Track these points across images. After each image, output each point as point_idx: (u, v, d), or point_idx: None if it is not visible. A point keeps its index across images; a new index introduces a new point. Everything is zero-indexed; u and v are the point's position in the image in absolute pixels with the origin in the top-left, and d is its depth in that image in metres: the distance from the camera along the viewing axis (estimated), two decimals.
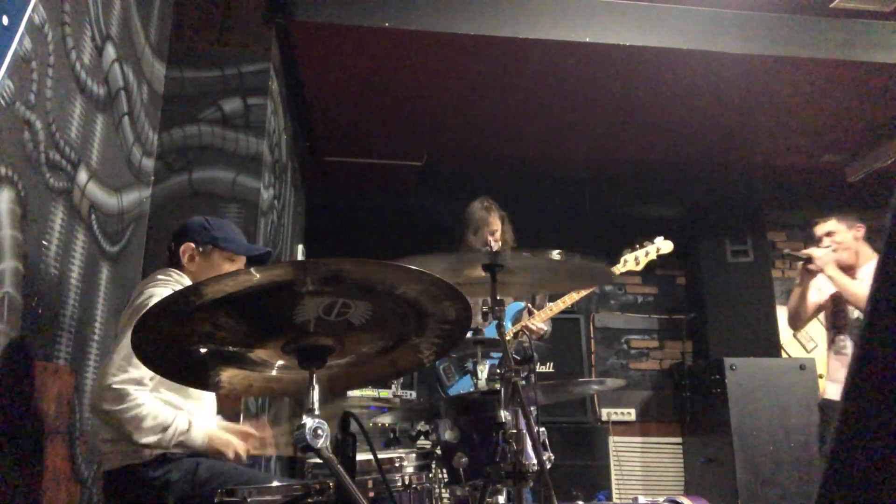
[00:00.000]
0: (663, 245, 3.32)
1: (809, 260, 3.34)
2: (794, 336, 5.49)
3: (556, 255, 1.74)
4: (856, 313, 3.35)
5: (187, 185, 3.09)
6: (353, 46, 3.76)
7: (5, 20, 1.68)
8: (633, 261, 3.29)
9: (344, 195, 5.72)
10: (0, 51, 1.67)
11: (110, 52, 2.46)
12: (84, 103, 2.23)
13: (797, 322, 3.52)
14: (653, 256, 3.31)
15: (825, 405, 3.47)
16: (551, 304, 3.35)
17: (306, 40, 3.70)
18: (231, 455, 2.00)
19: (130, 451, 1.92)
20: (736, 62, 3.87)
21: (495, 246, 3.33)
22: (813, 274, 3.36)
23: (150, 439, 1.86)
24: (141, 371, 1.84)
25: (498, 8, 3.63)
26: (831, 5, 3.74)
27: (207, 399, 2.17)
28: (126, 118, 2.67)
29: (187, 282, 2.07)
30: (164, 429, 1.87)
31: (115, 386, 1.83)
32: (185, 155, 3.12)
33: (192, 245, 2.12)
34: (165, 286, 2.02)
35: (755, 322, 5.19)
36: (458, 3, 3.61)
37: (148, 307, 1.89)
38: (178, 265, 2.13)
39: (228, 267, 2.15)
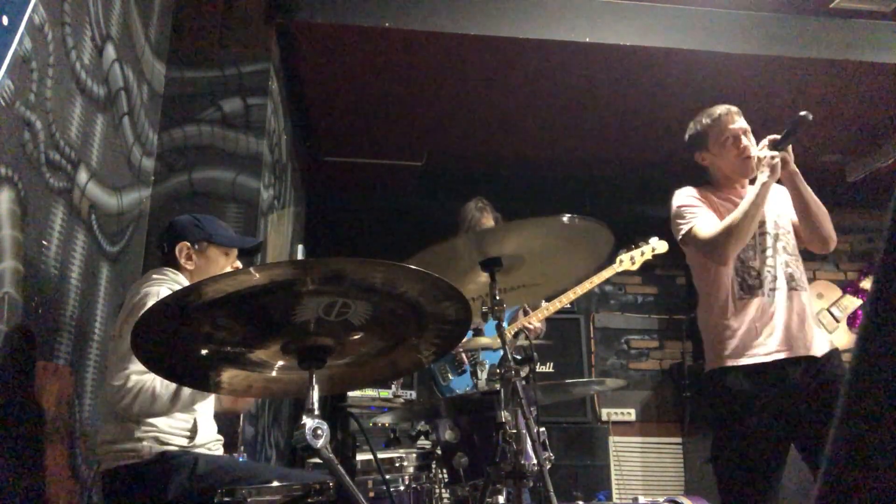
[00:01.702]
0: (658, 245, 3.36)
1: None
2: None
3: (565, 218, 1.59)
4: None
5: (187, 185, 3.09)
6: (353, 46, 3.76)
7: (5, 20, 1.68)
8: (628, 260, 3.32)
9: (344, 195, 5.72)
10: (0, 51, 1.67)
11: (110, 52, 2.46)
12: (84, 103, 2.23)
13: (735, 247, 2.24)
14: (648, 256, 3.34)
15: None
16: (547, 303, 3.36)
17: (306, 40, 3.70)
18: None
19: (129, 451, 1.92)
20: (736, 62, 3.87)
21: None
22: (776, 174, 2.24)
23: (177, 405, 1.88)
24: (137, 365, 1.85)
25: (498, 8, 3.63)
26: (831, 5, 3.74)
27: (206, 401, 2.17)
28: (126, 118, 2.67)
29: (183, 280, 2.08)
30: (178, 388, 1.88)
31: (116, 384, 1.84)
32: (185, 155, 3.12)
33: (188, 244, 2.13)
34: (161, 285, 2.02)
35: None
36: (458, 3, 3.61)
37: (147, 306, 1.91)
38: (174, 265, 2.13)
39: (224, 261, 2.16)
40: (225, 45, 3.29)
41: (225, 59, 3.27)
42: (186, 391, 1.89)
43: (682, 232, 2.38)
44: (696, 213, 2.38)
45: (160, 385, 1.86)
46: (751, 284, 2.32)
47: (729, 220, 2.25)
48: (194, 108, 3.18)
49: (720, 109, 2.51)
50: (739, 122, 2.44)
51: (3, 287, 1.73)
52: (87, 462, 2.32)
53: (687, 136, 2.60)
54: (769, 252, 2.34)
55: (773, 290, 2.30)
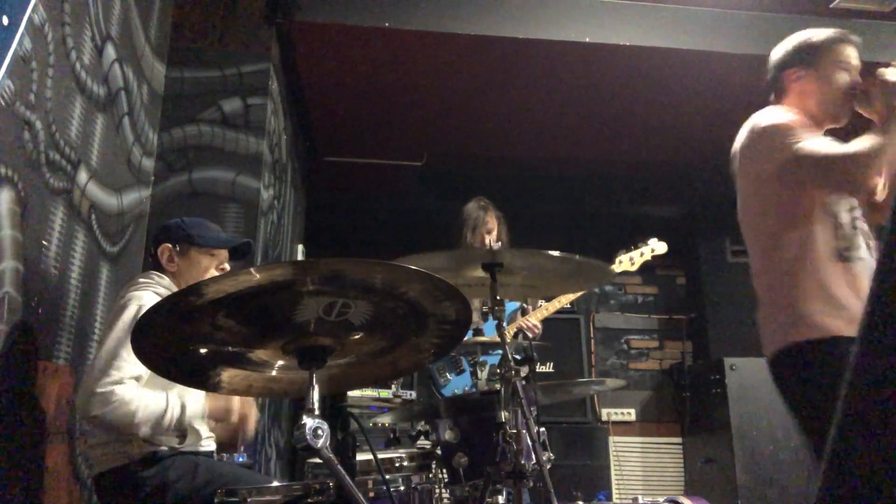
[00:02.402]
0: (657, 246, 3.38)
1: None
2: None
3: (555, 253, 1.74)
4: None
5: (187, 185, 3.09)
6: (353, 46, 3.76)
7: (5, 20, 1.68)
8: (627, 261, 3.34)
9: (344, 195, 5.72)
10: (0, 51, 1.67)
11: (110, 52, 2.46)
12: (84, 103, 2.23)
13: (872, 175, 1.83)
14: (647, 257, 3.37)
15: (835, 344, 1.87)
16: (546, 303, 3.36)
17: (306, 40, 3.70)
18: (234, 419, 2.07)
19: (119, 452, 1.92)
20: (736, 62, 3.86)
21: (496, 245, 3.34)
22: None
23: (146, 431, 1.87)
24: (122, 372, 1.85)
25: (498, 8, 3.63)
26: (831, 5, 3.74)
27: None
28: (126, 118, 2.67)
29: (167, 282, 2.09)
30: (161, 417, 1.88)
31: (98, 390, 1.82)
32: (185, 155, 3.12)
33: (169, 245, 2.13)
34: (146, 288, 2.02)
35: (755, 322, 5.18)
36: (458, 3, 3.61)
37: (128, 310, 1.92)
38: (160, 267, 2.14)
39: (208, 262, 2.15)
40: (225, 45, 3.29)
41: (225, 59, 3.27)
42: (166, 420, 1.89)
43: (792, 148, 1.90)
44: (804, 134, 1.94)
45: (142, 412, 1.85)
46: (845, 247, 1.94)
47: (872, 139, 1.82)
48: (194, 108, 3.18)
49: (840, 33, 2.11)
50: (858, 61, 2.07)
51: (3, 287, 1.73)
52: (86, 462, 2.32)
53: (792, 46, 2.13)
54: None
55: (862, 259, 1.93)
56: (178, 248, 2.13)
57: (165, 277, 2.10)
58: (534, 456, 1.67)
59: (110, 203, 2.52)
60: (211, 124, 3.18)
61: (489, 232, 3.38)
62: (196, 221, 2.21)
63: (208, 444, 2.14)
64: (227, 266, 2.19)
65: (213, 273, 2.12)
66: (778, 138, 1.95)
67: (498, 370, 1.73)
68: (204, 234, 2.17)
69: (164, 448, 1.96)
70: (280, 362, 1.36)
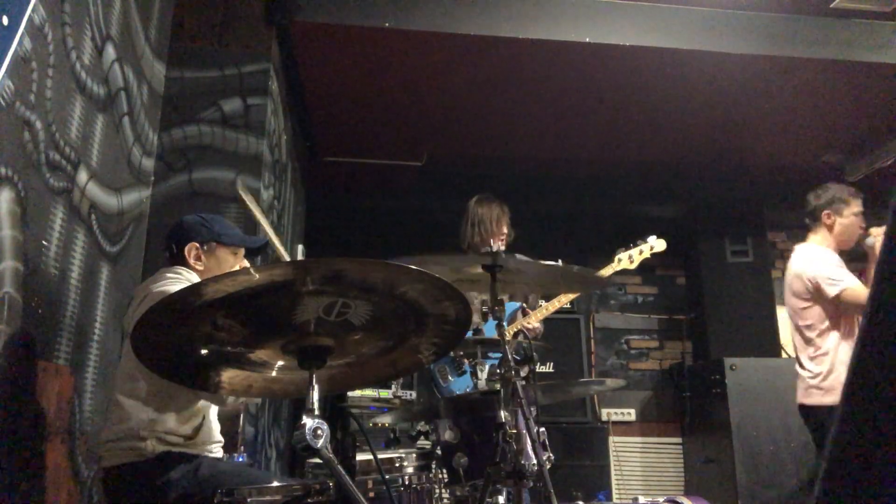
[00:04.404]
0: (656, 244, 3.38)
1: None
2: None
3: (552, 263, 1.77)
4: None
5: (187, 185, 3.09)
6: (353, 46, 3.76)
7: (5, 20, 1.68)
8: (627, 259, 3.34)
9: (344, 195, 5.72)
10: (0, 51, 1.67)
11: (110, 52, 2.46)
12: (84, 103, 2.23)
13: None
14: (646, 255, 3.36)
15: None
16: (546, 303, 3.36)
17: (306, 40, 3.70)
18: None
19: (133, 449, 1.92)
20: (736, 62, 3.87)
21: (502, 246, 3.35)
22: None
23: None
24: None
25: (498, 8, 3.63)
26: (831, 5, 3.74)
27: None
28: (126, 118, 2.67)
29: (196, 278, 2.06)
30: None
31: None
32: (185, 155, 3.12)
33: (196, 244, 2.12)
34: (176, 284, 2.01)
35: (755, 322, 5.19)
36: (458, 3, 3.61)
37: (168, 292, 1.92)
38: (183, 265, 2.13)
39: (233, 260, 2.16)
40: (225, 45, 3.29)
41: (225, 59, 3.27)
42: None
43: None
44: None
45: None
46: None
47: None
48: (194, 108, 3.18)
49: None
50: None
51: (3, 287, 1.73)
52: (87, 462, 2.32)
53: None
54: None
55: None
56: (205, 248, 2.13)
57: (193, 273, 2.09)
58: (534, 456, 1.67)
59: (110, 203, 2.52)
60: (211, 124, 3.18)
61: (501, 239, 3.38)
62: (216, 218, 2.21)
63: (217, 451, 2.14)
64: (245, 263, 2.20)
65: None
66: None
67: (498, 370, 1.73)
68: (230, 232, 2.18)
69: (175, 448, 1.96)
70: (280, 363, 1.36)
